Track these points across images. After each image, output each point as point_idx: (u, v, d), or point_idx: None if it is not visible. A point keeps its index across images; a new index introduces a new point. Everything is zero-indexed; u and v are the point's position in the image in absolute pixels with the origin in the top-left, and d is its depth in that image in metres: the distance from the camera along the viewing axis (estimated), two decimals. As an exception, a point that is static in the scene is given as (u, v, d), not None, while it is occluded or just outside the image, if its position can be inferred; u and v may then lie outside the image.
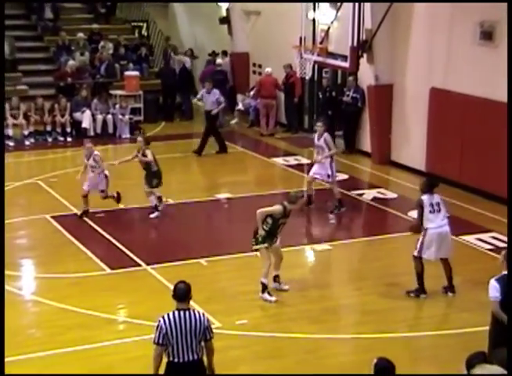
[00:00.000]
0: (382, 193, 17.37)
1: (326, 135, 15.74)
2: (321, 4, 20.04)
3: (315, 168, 16.01)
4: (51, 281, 12.67)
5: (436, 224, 11.78)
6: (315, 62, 19.48)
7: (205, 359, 7.97)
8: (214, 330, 8.09)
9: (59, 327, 10.94)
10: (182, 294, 7.90)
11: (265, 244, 11.68)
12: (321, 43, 19.73)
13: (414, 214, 12.89)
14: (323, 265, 14.22)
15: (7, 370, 8.83)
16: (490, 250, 13.84)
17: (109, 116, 22.21)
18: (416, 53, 18.42)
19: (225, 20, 24.72)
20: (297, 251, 13.89)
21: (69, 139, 21.58)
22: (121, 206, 15.85)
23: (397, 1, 17.97)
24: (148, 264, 13.13)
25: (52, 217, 15.34)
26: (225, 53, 24.77)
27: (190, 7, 26.90)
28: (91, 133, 21.80)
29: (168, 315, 7.83)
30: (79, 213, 15.34)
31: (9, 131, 21.19)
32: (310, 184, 16.11)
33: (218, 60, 24.26)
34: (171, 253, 13.79)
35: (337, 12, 19.48)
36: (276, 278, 12.14)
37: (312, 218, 16.12)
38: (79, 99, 22.20)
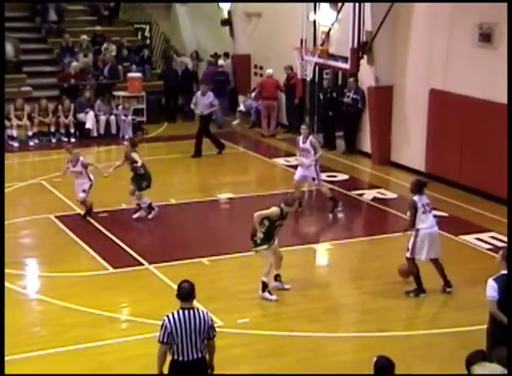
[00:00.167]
0: (382, 194, 17.42)
1: (311, 137, 15.68)
2: (322, 6, 20.09)
3: (299, 172, 15.87)
4: (54, 280, 12.73)
5: (428, 224, 11.90)
6: (315, 63, 19.49)
7: (206, 356, 8.01)
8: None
9: (63, 325, 11.01)
10: (186, 293, 7.93)
11: (264, 246, 11.79)
12: (322, 45, 19.79)
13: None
14: (324, 264, 14.32)
15: (11, 368, 8.93)
16: (489, 250, 13.87)
17: (113, 117, 22.26)
18: (416, 55, 18.48)
19: (227, 22, 24.74)
20: (297, 251, 13.91)
21: (72, 140, 21.61)
22: (124, 206, 15.92)
23: (397, 1, 18.07)
24: (150, 263, 13.19)
25: (56, 217, 15.41)
26: (226, 55, 24.80)
27: (192, 9, 26.96)
28: (95, 134, 21.93)
29: (173, 314, 7.86)
30: (82, 213, 15.43)
31: (14, 132, 21.28)
32: (298, 188, 15.97)
33: (220, 62, 24.29)
34: (174, 252, 13.84)
35: (338, 13, 19.56)
36: (277, 277, 12.21)
37: (312, 218, 16.18)
38: (82, 100, 22.28)
